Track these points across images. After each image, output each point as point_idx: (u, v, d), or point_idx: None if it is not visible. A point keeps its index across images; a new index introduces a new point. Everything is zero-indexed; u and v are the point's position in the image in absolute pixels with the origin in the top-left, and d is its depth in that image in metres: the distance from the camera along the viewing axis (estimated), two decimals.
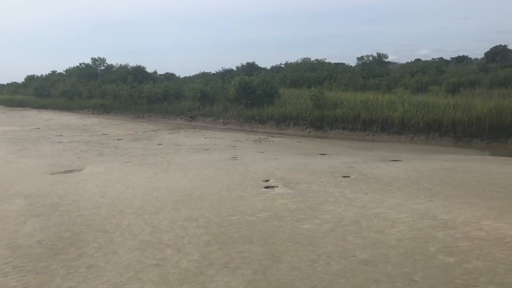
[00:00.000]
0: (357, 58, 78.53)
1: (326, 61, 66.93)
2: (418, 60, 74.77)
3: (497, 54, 75.98)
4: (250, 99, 32.91)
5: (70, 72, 69.86)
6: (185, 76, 72.12)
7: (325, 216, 7.77)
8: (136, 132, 24.14)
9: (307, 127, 28.33)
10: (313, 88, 29.91)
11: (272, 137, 22.76)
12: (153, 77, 57.87)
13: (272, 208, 8.31)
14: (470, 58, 74.24)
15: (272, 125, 30.28)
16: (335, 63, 65.46)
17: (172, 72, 69.57)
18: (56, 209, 8.69)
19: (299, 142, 20.75)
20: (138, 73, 58.52)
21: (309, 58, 69.41)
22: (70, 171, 12.93)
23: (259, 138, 21.72)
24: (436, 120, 23.37)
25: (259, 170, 12.15)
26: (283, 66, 68.94)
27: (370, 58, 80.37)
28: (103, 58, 69.60)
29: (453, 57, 72.38)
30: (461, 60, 71.21)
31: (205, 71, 71.51)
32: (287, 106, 30.45)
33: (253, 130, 29.65)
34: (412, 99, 25.92)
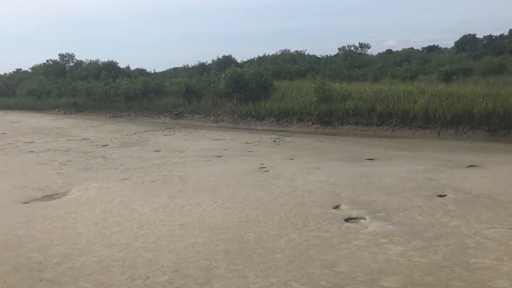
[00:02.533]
0: (339, 49, 76.55)
1: (306, 53, 64.36)
2: (389, 50, 73.37)
3: (466, 43, 75.96)
4: (243, 93, 29.63)
5: (36, 69, 64.84)
6: (157, 72, 68.17)
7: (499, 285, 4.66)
8: (121, 135, 20.54)
9: (313, 123, 25.31)
10: (319, 79, 26.80)
11: (288, 136, 19.59)
12: (126, 73, 53.69)
13: (393, 267, 5.16)
14: (440, 48, 73.80)
15: (272, 121, 27.14)
16: (313, 55, 62.85)
17: (142, 68, 65.34)
18: (38, 279, 5.31)
19: (321, 141, 17.65)
20: (111, 68, 54.33)
21: (288, 50, 66.73)
22: (50, 197, 9.46)
23: (274, 138, 18.48)
24: (465, 111, 20.66)
25: (312, 188, 8.97)
26: (261, 58, 65.94)
27: (352, 48, 78.34)
28: (72, 54, 64.98)
29: (424, 46, 71.20)
30: (432, 49, 70.29)
31: (177, 66, 67.69)
32: (288, 100, 27.32)
33: (250, 128, 26.45)
34: (432, 89, 23.15)
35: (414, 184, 8.95)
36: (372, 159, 12.59)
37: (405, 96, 23.05)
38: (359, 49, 78.86)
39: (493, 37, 72.58)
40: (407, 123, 22.13)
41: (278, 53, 66.05)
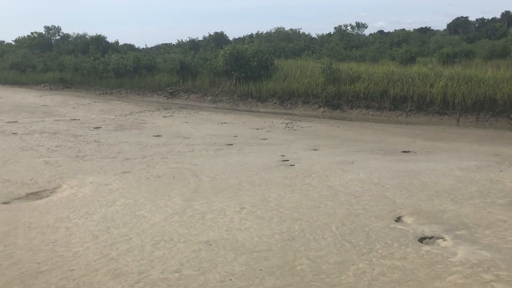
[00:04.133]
0: (335, 28, 75.00)
1: (302, 31, 62.62)
2: (381, 31, 71.99)
3: (459, 25, 75.54)
4: (243, 72, 27.83)
5: (20, 42, 61.93)
6: (147, 47, 65.80)
7: None
8: (115, 116, 18.70)
9: (320, 106, 23.71)
10: (326, 59, 25.07)
11: (299, 121, 17.90)
12: (115, 48, 51.37)
13: None
14: (432, 30, 73.14)
15: (275, 103, 25.48)
16: (309, 34, 61.12)
17: (131, 43, 62.79)
18: None
19: (338, 127, 16.06)
20: (99, 43, 52.01)
21: (283, 28, 64.87)
22: (37, 195, 7.77)
23: (285, 123, 16.84)
24: (487, 97, 19.21)
25: (357, 191, 7.42)
26: (254, 36, 63.90)
27: (349, 27, 76.74)
28: (58, 26, 62.26)
29: (416, 28, 70.16)
30: (424, 31, 69.24)
31: (166, 42, 65.23)
32: (291, 81, 25.60)
33: (251, 110, 24.80)
34: (449, 72, 21.61)
35: (477, 188, 7.44)
36: (407, 152, 11.05)
37: (420, 79, 21.51)
38: (356, 28, 77.08)
39: (485, 20, 72.10)
40: (423, 108, 20.67)
41: (273, 30, 64.05)
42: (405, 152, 11.01)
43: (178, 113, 20.07)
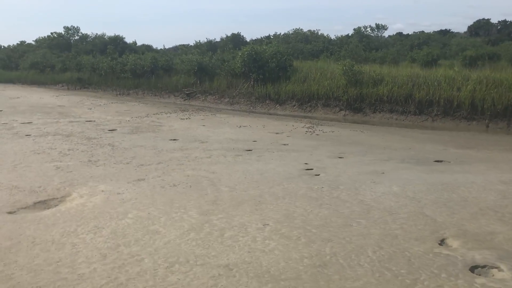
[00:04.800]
0: (354, 29, 74.29)
1: (320, 33, 61.86)
2: (400, 33, 70.80)
3: (480, 27, 73.88)
4: (261, 73, 27.22)
5: (40, 42, 62.38)
6: (165, 48, 65.81)
7: None
8: (131, 118, 18.24)
9: (341, 109, 22.94)
10: (347, 60, 24.30)
11: (320, 125, 17.19)
12: (133, 48, 51.32)
13: None
14: (452, 32, 71.70)
15: (294, 106, 24.79)
16: (327, 36, 60.36)
17: (149, 44, 62.68)
18: None
19: (363, 132, 15.31)
20: (117, 43, 51.97)
21: (301, 29, 64.21)
22: (44, 204, 7.26)
23: (306, 127, 16.16)
24: None
25: (391, 207, 6.74)
26: (272, 37, 63.35)
27: (368, 29, 75.94)
28: (77, 27, 62.46)
29: (435, 30, 68.82)
30: (445, 33, 67.83)
31: (183, 44, 65.09)
32: (311, 83, 24.89)
33: (269, 112, 24.14)
34: (477, 75, 20.66)
35: None
36: (440, 161, 10.28)
37: (446, 82, 20.62)
38: (376, 30, 76.08)
39: (508, 22, 70.40)
40: (449, 113, 19.77)
41: (290, 32, 63.45)
42: (438, 161, 10.25)
43: (195, 115, 19.55)
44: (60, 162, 10.15)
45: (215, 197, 7.36)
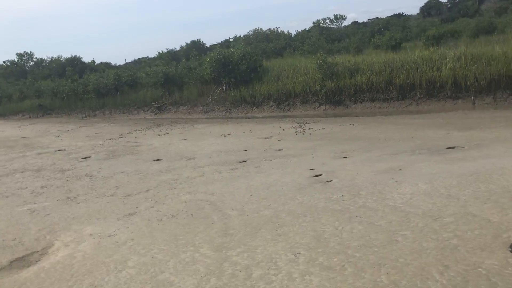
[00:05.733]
0: (313, 23, 74.85)
1: (280, 30, 61.80)
2: (355, 22, 71.59)
3: (431, 8, 75.77)
4: (232, 77, 26.28)
5: None
6: (127, 62, 64.21)
7: None
8: (104, 141, 16.91)
9: (320, 104, 22.23)
10: (320, 53, 23.60)
11: (307, 123, 16.33)
12: (92, 68, 49.60)
13: None
14: (406, 15, 73.25)
15: (272, 106, 23.94)
16: (288, 33, 60.31)
17: (107, 61, 60.79)
18: None
19: (355, 126, 14.52)
20: (75, 64, 49.99)
21: (261, 29, 63.87)
22: (22, 261, 6.07)
23: (294, 127, 15.24)
24: (502, 74, 17.89)
25: (430, 210, 5.86)
26: (232, 40, 62.68)
27: (327, 21, 76.51)
28: (31, 52, 60.08)
29: (389, 15, 69.96)
30: (399, 17, 69.03)
31: (142, 57, 63.63)
32: (286, 81, 24.09)
33: (247, 116, 23.23)
34: (453, 53, 20.28)
35: None
36: (453, 148, 9.53)
37: (424, 64, 20.15)
38: (335, 21, 76.49)
39: (457, 0, 72.05)
40: (433, 94, 19.32)
41: (250, 33, 62.98)
42: (450, 148, 9.49)
43: (172, 129, 18.37)
44: (34, 203, 8.89)
45: (224, 225, 6.32)
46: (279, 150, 11.39)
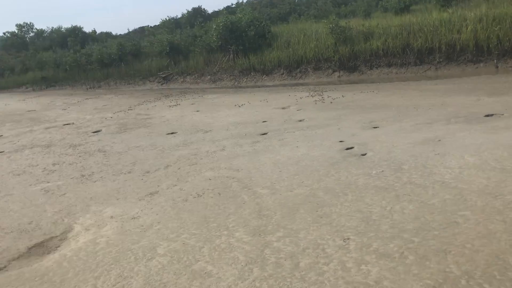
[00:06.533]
0: None
1: None
2: None
3: None
4: (241, 44, 25.40)
5: None
6: (129, 31, 62.80)
7: None
8: (113, 114, 16.35)
9: (334, 71, 21.43)
10: (332, 17, 22.65)
11: (324, 91, 15.64)
12: (94, 38, 48.43)
13: None
14: None
15: (283, 74, 23.15)
16: None
17: (108, 31, 59.26)
18: None
19: (374, 93, 13.88)
20: (76, 35, 48.80)
21: None
22: (41, 247, 5.64)
23: (312, 96, 14.59)
24: None
25: (486, 186, 5.37)
26: (234, 6, 61.07)
27: None
28: (31, 23, 58.71)
29: None
30: None
31: (143, 25, 62.32)
32: (297, 47, 23.21)
33: (257, 85, 22.51)
34: (474, 14, 19.30)
35: None
36: (491, 115, 8.92)
37: (443, 26, 19.22)
38: None
39: None
40: (453, 58, 18.47)
41: None
42: (489, 116, 8.88)
43: (182, 100, 17.74)
44: (48, 182, 8.42)
45: (257, 206, 5.82)
46: (300, 121, 10.79)
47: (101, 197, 7.13)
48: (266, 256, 4.50)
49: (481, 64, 17.68)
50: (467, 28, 18.25)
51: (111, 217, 6.21)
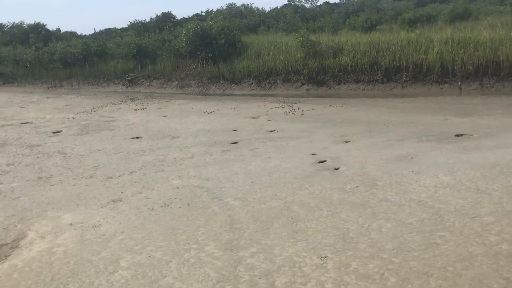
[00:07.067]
0: (288, 0, 73.96)
1: (254, 6, 60.51)
2: (326, 2, 71.18)
3: None
4: (210, 51, 25.12)
5: None
6: (96, 32, 61.24)
7: None
8: (75, 114, 15.66)
9: (302, 84, 21.46)
10: (303, 31, 22.77)
11: (294, 103, 15.54)
12: (57, 36, 46.87)
13: None
14: None
15: (252, 84, 22.99)
16: (262, 9, 59.08)
17: (73, 31, 57.50)
18: None
19: (343, 107, 13.91)
20: (39, 32, 47.12)
21: (234, 4, 62.33)
22: None
23: (282, 107, 14.45)
24: (489, 60, 17.58)
25: (463, 207, 5.31)
26: (204, 14, 60.90)
27: (303, 0, 75.77)
28: None
29: None
30: None
31: (109, 27, 61.14)
32: (267, 58, 23.16)
33: (225, 94, 22.28)
34: (440, 36, 19.87)
35: None
36: (461, 135, 9.00)
37: (411, 46, 19.65)
38: (309, 0, 75.75)
39: None
40: (419, 78, 18.85)
41: (224, 7, 61.35)
42: (459, 135, 8.97)
43: (149, 104, 17.25)
44: (0, 184, 7.83)
45: (229, 218, 5.54)
46: (271, 131, 10.60)
47: (60, 202, 6.66)
48: (239, 273, 4.22)
49: (446, 85, 18.11)
50: (433, 49, 18.69)
51: (70, 224, 5.78)
